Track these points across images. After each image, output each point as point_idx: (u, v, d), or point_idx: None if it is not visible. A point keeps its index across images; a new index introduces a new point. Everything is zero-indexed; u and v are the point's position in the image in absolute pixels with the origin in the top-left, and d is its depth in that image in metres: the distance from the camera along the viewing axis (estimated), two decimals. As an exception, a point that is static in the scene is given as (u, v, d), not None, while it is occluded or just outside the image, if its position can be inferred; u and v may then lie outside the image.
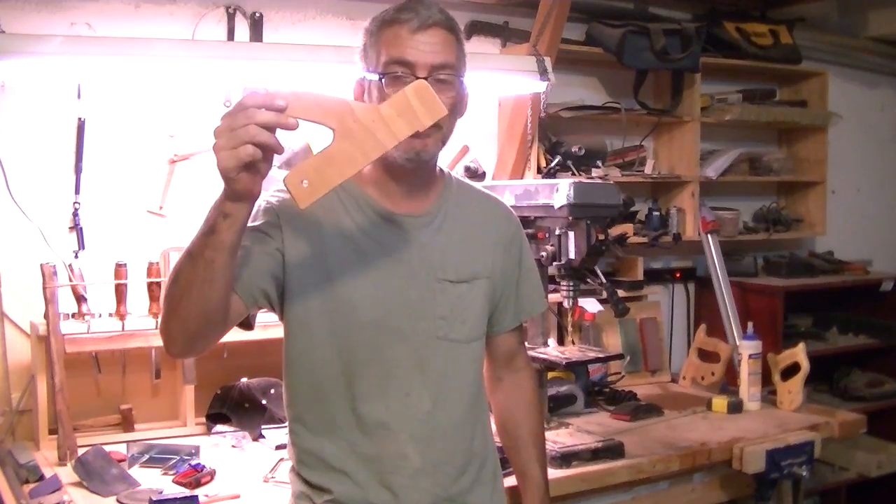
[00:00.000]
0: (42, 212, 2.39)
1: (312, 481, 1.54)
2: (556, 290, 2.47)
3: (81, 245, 2.43)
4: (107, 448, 2.16)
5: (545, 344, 2.54)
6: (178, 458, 2.18)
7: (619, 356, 2.85)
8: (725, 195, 3.65)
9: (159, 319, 1.41)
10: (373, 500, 1.51)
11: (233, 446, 2.35)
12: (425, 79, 1.43)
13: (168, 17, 2.53)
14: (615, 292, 2.39)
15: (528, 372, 1.83)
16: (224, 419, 2.45)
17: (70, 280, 2.34)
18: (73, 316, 2.33)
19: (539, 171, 3.00)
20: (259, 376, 2.51)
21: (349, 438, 1.52)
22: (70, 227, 2.43)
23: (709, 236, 3.43)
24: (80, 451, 2.14)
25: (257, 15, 2.63)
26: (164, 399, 2.51)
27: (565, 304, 2.44)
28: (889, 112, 4.29)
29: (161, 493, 1.94)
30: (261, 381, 2.50)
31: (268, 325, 2.12)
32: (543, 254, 2.32)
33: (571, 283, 2.39)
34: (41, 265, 2.25)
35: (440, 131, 1.49)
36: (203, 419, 2.47)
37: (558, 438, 2.34)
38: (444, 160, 1.66)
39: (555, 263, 2.36)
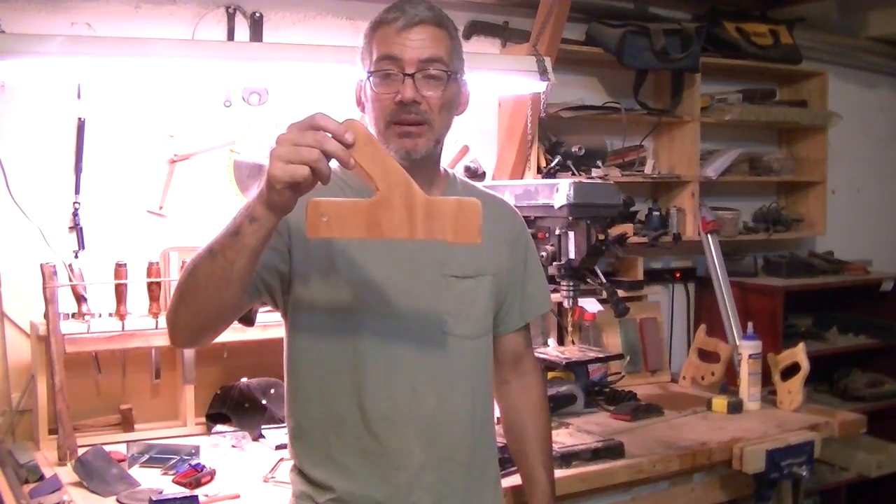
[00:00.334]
0: (42, 212, 2.39)
1: (315, 478, 1.54)
2: (556, 290, 2.46)
3: (81, 245, 2.43)
4: (107, 448, 2.16)
5: (545, 344, 2.55)
6: (178, 458, 2.18)
7: (619, 356, 2.86)
8: (725, 195, 3.65)
9: (168, 307, 1.41)
10: (376, 496, 1.51)
11: (233, 446, 2.35)
12: (412, 75, 1.46)
13: (168, 17, 2.53)
14: (615, 292, 2.39)
15: (536, 376, 1.82)
16: (224, 419, 2.45)
17: (70, 280, 2.34)
18: (73, 316, 2.33)
19: (539, 171, 3.00)
20: (259, 376, 2.51)
21: (354, 433, 1.51)
22: (70, 227, 2.43)
23: (709, 236, 3.43)
24: (80, 451, 2.14)
25: (257, 15, 2.64)
26: (164, 399, 2.51)
27: (565, 304, 2.44)
28: (889, 112, 4.29)
29: (161, 493, 1.94)
30: (261, 381, 2.50)
31: (268, 325, 2.12)
32: (543, 254, 2.32)
33: (571, 283, 2.40)
34: (41, 265, 2.25)
35: (431, 129, 1.50)
36: (203, 419, 2.47)
37: (558, 438, 2.34)
38: (444, 160, 1.66)
39: (555, 263, 2.36)
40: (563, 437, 2.38)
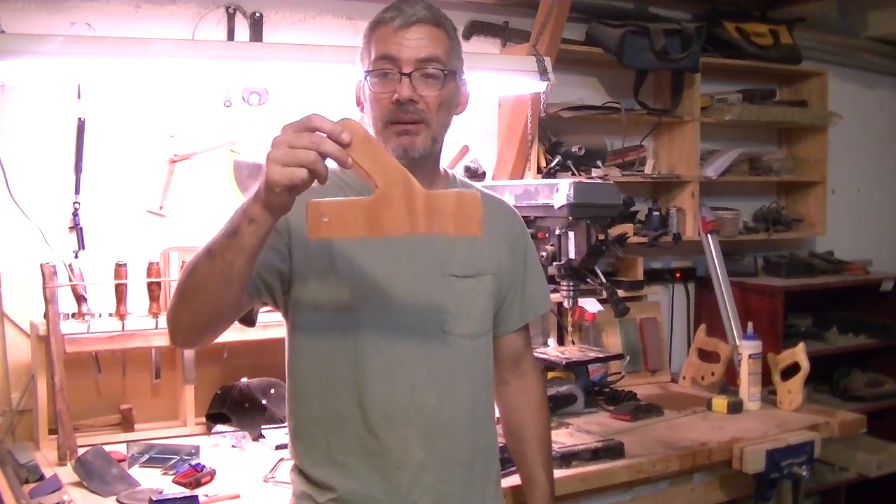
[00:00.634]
0: (42, 212, 2.39)
1: (315, 477, 1.54)
2: (556, 290, 2.46)
3: (81, 245, 2.43)
4: (107, 448, 2.16)
5: (545, 344, 2.55)
6: (178, 458, 2.18)
7: (619, 356, 2.86)
8: (725, 195, 3.65)
9: (168, 308, 1.41)
10: (376, 495, 1.51)
11: (233, 446, 2.35)
12: (409, 74, 1.46)
13: (168, 17, 2.53)
14: (615, 292, 2.39)
15: (536, 376, 1.82)
16: (224, 419, 2.45)
17: (70, 280, 2.34)
18: (73, 316, 2.33)
19: (539, 171, 3.00)
20: (259, 376, 2.51)
21: (354, 432, 1.52)
22: (70, 227, 2.43)
23: (709, 236, 3.43)
24: (80, 451, 2.14)
25: (257, 15, 2.64)
26: (164, 399, 2.51)
27: (565, 304, 2.44)
28: (889, 112, 4.29)
29: (161, 493, 1.94)
30: (261, 381, 2.50)
31: (268, 325, 2.12)
32: (543, 254, 2.32)
33: (571, 283, 2.40)
34: (41, 265, 2.25)
35: (429, 128, 1.50)
36: (203, 419, 2.47)
37: (558, 438, 2.34)
38: (444, 160, 1.66)
39: (555, 263, 2.36)
40: (563, 437, 2.38)
